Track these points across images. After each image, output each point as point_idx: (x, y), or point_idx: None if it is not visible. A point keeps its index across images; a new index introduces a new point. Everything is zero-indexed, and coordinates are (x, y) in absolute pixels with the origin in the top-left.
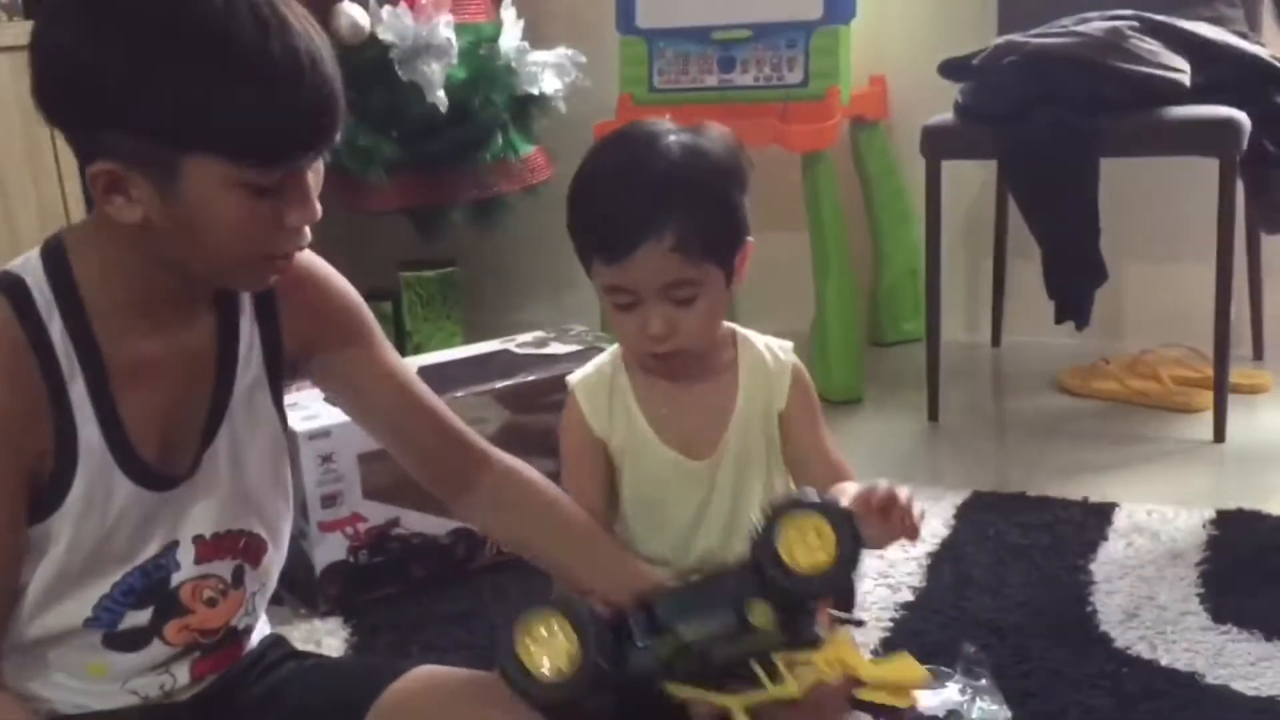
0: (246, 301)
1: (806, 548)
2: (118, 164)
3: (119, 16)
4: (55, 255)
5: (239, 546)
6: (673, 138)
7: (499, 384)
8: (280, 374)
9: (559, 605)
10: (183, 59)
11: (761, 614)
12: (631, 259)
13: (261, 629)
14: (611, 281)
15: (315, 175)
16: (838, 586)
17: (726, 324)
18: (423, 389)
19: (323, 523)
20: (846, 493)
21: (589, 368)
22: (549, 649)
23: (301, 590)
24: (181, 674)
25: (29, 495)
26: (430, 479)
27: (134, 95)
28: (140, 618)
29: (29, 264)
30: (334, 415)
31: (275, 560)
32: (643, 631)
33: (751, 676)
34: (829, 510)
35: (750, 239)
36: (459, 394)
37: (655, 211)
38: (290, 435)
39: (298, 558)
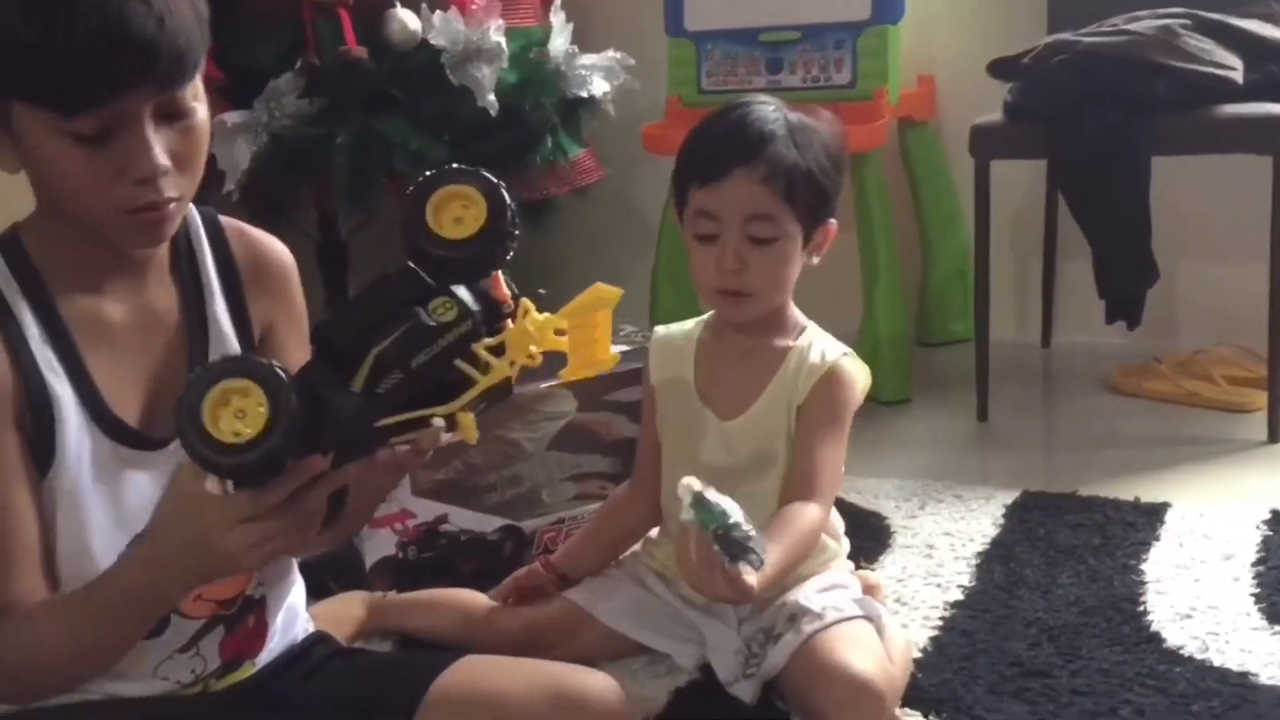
0: (210, 273)
1: (457, 220)
2: None
3: None
4: (10, 236)
5: None
6: (786, 109)
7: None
8: (253, 349)
9: (242, 367)
10: None
11: (443, 307)
12: (724, 182)
13: (305, 624)
14: (701, 205)
15: (171, 128)
16: (497, 246)
17: (802, 318)
18: None
19: (372, 519)
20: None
21: (675, 324)
22: (238, 415)
23: (351, 584)
24: (211, 654)
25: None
26: None
27: None
28: None
29: None
30: None
31: None
32: (333, 373)
33: (461, 379)
34: (470, 176)
35: (834, 221)
36: (545, 384)
37: (754, 146)
38: None
39: (349, 553)
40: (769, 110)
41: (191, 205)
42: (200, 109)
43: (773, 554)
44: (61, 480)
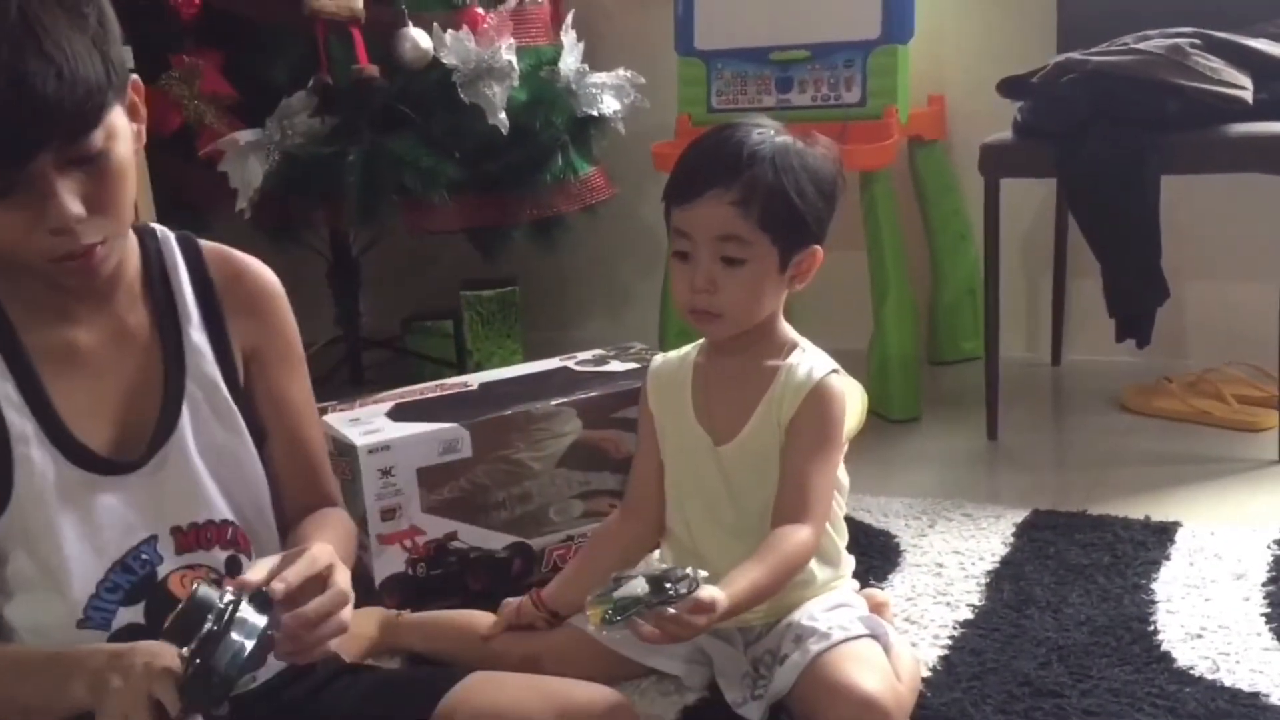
0: (186, 296)
1: None
2: None
3: None
4: None
5: (226, 537)
6: (773, 131)
7: (578, 396)
8: (235, 374)
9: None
10: None
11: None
12: (696, 202)
13: None
14: (677, 224)
15: (81, 172)
16: None
17: (795, 336)
18: (312, 426)
19: (381, 535)
20: None
21: (673, 352)
22: None
23: (360, 602)
24: None
25: None
26: (278, 505)
27: None
28: (134, 614)
29: None
30: (394, 430)
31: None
32: None
33: None
34: None
35: (819, 248)
36: (552, 402)
37: (729, 168)
38: (350, 449)
39: (357, 569)
40: (756, 132)
41: (166, 230)
42: (116, 147)
43: (751, 571)
44: (21, 514)
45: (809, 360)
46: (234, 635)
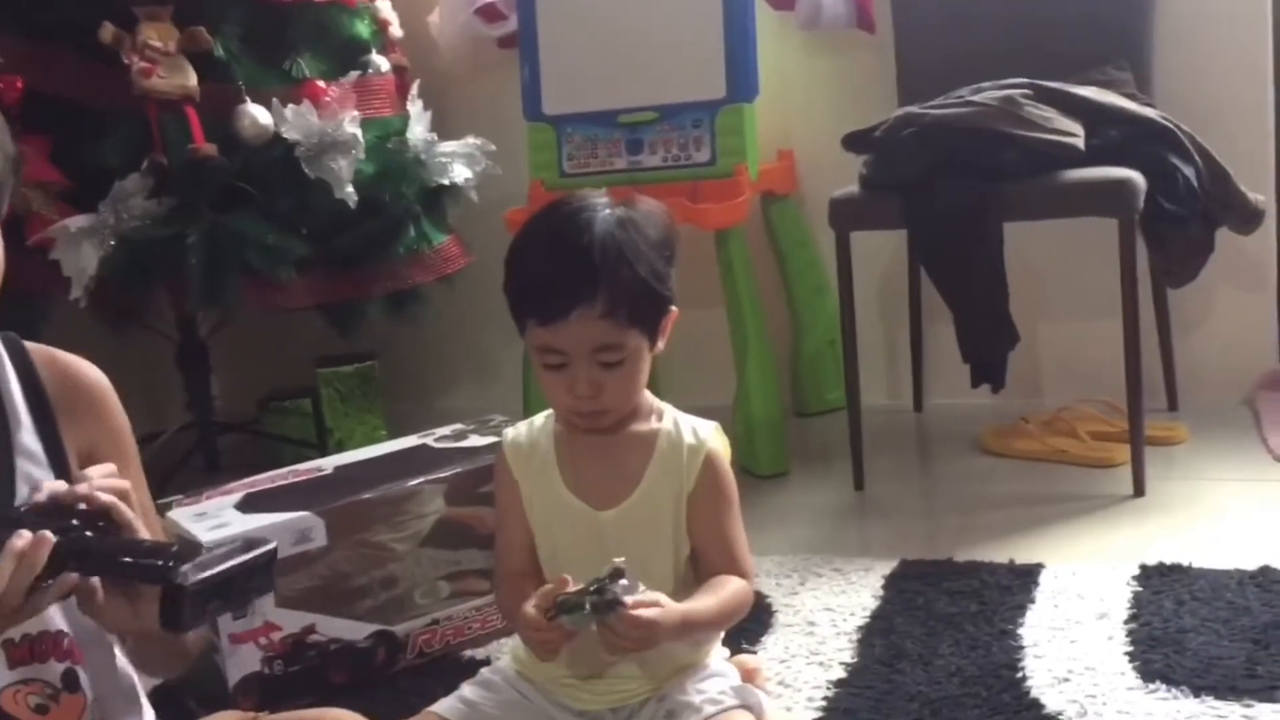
0: (16, 401)
1: None
2: None
3: None
4: None
5: (61, 648)
6: (604, 208)
7: (439, 474)
8: (69, 477)
9: None
10: None
11: None
12: (565, 323)
13: None
14: (544, 343)
15: None
16: None
17: (655, 400)
18: (151, 525)
19: (234, 634)
20: None
21: (522, 423)
22: None
23: (215, 705)
24: None
25: None
26: None
27: None
28: None
29: None
30: (242, 523)
31: (114, 666)
32: None
33: None
34: None
35: (674, 307)
36: (410, 483)
37: (587, 280)
38: (198, 546)
39: (209, 671)
40: (588, 224)
41: None
42: None
43: (700, 599)
44: None
45: (685, 422)
46: None
